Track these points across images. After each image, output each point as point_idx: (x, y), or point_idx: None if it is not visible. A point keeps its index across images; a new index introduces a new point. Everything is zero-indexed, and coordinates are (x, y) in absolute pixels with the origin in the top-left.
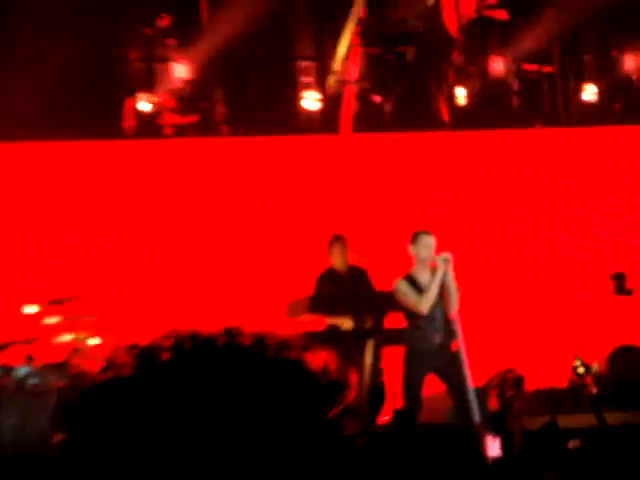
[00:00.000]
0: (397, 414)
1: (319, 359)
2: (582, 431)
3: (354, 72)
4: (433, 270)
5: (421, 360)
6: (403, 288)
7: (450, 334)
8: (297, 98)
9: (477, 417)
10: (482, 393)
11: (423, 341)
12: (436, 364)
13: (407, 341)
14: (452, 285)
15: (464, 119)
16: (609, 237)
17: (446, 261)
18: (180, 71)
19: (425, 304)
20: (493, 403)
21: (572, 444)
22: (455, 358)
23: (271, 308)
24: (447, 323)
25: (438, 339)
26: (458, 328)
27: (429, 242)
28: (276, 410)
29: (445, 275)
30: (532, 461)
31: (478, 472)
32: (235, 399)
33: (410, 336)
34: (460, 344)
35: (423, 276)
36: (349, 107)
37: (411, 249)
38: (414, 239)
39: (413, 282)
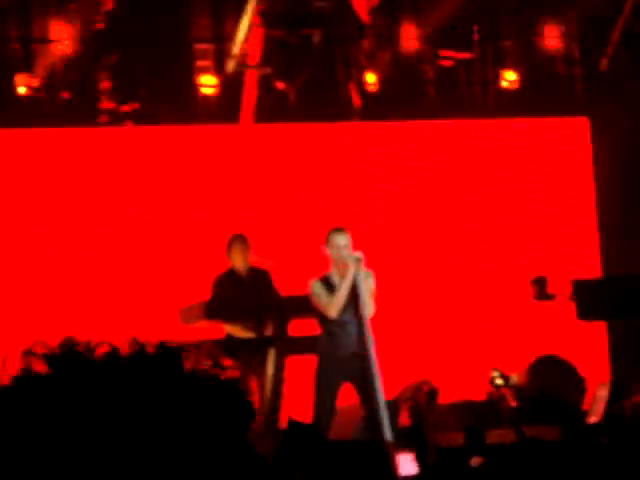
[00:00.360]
0: (291, 425)
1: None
2: (499, 447)
3: (255, 56)
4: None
5: (333, 368)
6: (316, 289)
7: (365, 341)
8: (193, 84)
9: (388, 432)
10: (393, 406)
11: (335, 348)
12: (350, 373)
13: (319, 348)
14: (365, 287)
15: (374, 108)
16: (529, 238)
17: (357, 261)
18: (59, 52)
19: (333, 307)
20: (405, 417)
21: (474, 461)
22: (368, 367)
23: (163, 314)
24: (362, 329)
25: (351, 346)
26: (371, 335)
27: (343, 241)
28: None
29: (357, 276)
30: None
31: None
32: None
33: (322, 342)
34: (372, 352)
35: (338, 278)
36: (250, 94)
37: (325, 249)
38: (328, 238)
39: (328, 284)
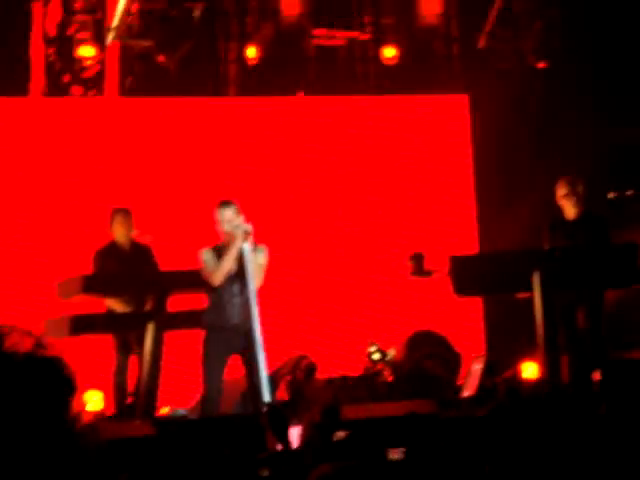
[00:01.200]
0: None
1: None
2: (371, 421)
3: (134, 28)
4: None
5: (220, 340)
6: (205, 257)
7: (250, 313)
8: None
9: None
10: (271, 380)
11: (221, 320)
12: (237, 345)
13: (206, 320)
14: (253, 259)
15: (254, 82)
16: (409, 215)
17: (245, 233)
18: None
19: (216, 275)
20: (282, 391)
21: (337, 436)
22: (252, 340)
23: (41, 289)
24: (247, 301)
25: (236, 318)
26: (256, 308)
27: (228, 213)
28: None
29: (245, 248)
30: (312, 453)
31: (261, 465)
32: None
33: (209, 315)
34: (257, 326)
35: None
36: (115, 66)
37: (216, 220)
38: (215, 212)
39: (218, 253)
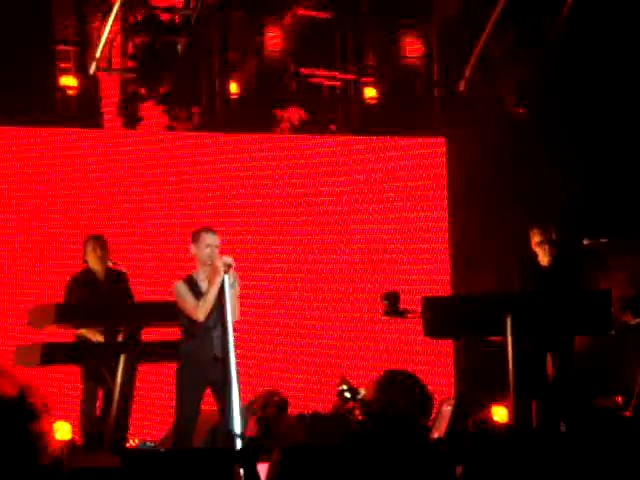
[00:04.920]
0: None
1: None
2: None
3: (118, 60)
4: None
5: (196, 373)
6: (182, 291)
7: (227, 345)
8: (54, 85)
9: (240, 440)
10: (242, 414)
11: (199, 352)
12: (212, 378)
13: (182, 353)
14: (233, 293)
15: (237, 118)
16: (383, 255)
17: (226, 265)
18: None
19: (201, 310)
20: (252, 426)
21: None
22: (228, 372)
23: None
24: (225, 333)
25: (215, 350)
26: (233, 340)
27: (214, 240)
28: None
29: (226, 281)
30: None
31: None
32: None
33: (185, 347)
34: (233, 358)
35: (205, 279)
36: (112, 99)
37: (192, 249)
38: (194, 237)
39: (194, 285)
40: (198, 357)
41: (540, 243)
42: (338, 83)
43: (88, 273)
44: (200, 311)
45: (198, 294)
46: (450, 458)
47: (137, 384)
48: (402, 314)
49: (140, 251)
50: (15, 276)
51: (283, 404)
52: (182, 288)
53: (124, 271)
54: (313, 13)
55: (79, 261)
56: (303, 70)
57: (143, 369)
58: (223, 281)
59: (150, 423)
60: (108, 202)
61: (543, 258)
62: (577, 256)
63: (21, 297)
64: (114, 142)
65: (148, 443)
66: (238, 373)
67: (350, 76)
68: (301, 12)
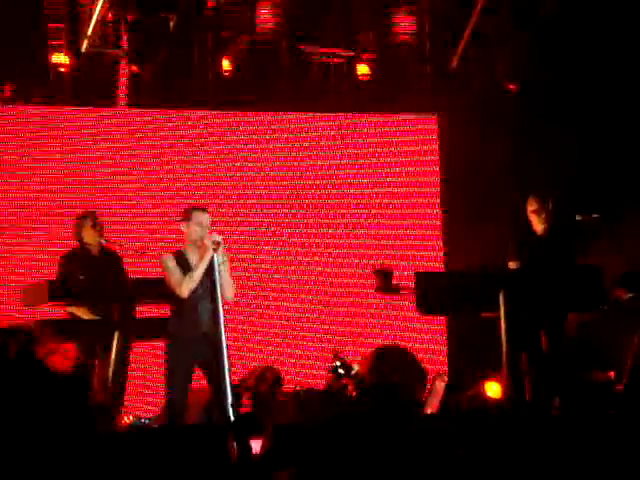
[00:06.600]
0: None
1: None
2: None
3: (110, 37)
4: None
5: (184, 350)
6: (169, 264)
7: (218, 323)
8: (46, 63)
9: (231, 417)
10: (235, 391)
11: (186, 329)
12: (201, 354)
13: (170, 329)
14: (223, 271)
15: (228, 95)
16: (377, 231)
17: (215, 243)
18: None
19: (186, 286)
20: (246, 402)
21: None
22: (218, 350)
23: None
24: (215, 312)
25: (204, 327)
26: (222, 318)
27: (205, 219)
28: (19, 409)
29: (215, 259)
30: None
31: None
32: None
33: (173, 324)
34: (224, 335)
35: (194, 257)
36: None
37: (182, 226)
38: (186, 215)
39: (182, 260)
40: (185, 334)
41: (536, 211)
42: (331, 59)
43: (81, 250)
44: (185, 286)
45: (186, 270)
46: (443, 434)
47: (131, 361)
48: (395, 290)
49: (139, 231)
50: (9, 253)
51: (277, 379)
52: (169, 261)
53: (117, 250)
54: None
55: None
56: (297, 46)
57: (137, 346)
58: (212, 259)
59: (144, 399)
60: (105, 182)
61: (538, 226)
62: (572, 227)
63: (15, 276)
64: (109, 121)
65: (143, 420)
66: (229, 349)
67: (343, 52)
68: None
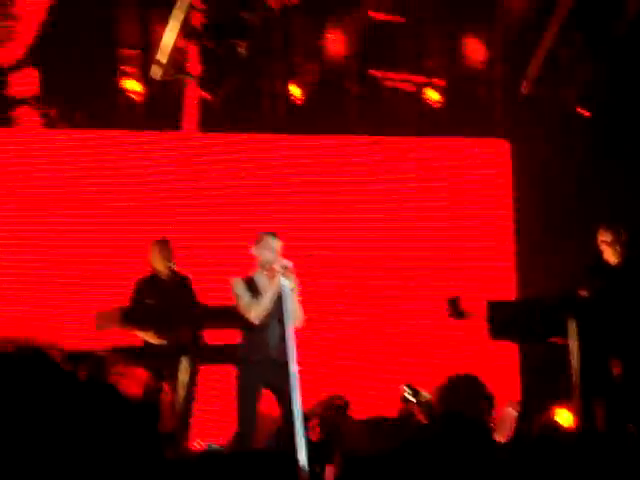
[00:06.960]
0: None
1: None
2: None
3: (182, 64)
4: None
5: (253, 373)
6: (239, 289)
7: (287, 350)
8: (117, 89)
9: (302, 444)
10: (304, 418)
11: (255, 353)
12: (270, 379)
13: (239, 354)
14: (292, 297)
15: (298, 121)
16: (448, 258)
17: (284, 268)
18: None
19: (256, 311)
20: (315, 430)
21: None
22: (288, 377)
23: (76, 319)
24: (284, 337)
25: (273, 352)
26: (294, 345)
27: (273, 245)
28: (88, 435)
29: (284, 284)
30: None
31: None
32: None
33: (242, 349)
34: (294, 363)
35: (264, 282)
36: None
37: (254, 250)
38: (258, 240)
39: (251, 285)
40: (253, 358)
41: (609, 243)
42: (401, 85)
43: (154, 277)
44: (254, 311)
45: (256, 295)
46: (514, 463)
47: (199, 386)
48: (466, 316)
49: (202, 256)
50: (84, 280)
51: (344, 406)
52: (239, 285)
53: (188, 275)
54: (376, 15)
55: (147, 266)
56: (368, 72)
57: (208, 369)
58: (282, 285)
59: (217, 425)
60: (174, 207)
61: (611, 257)
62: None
63: (90, 302)
64: (177, 146)
65: (214, 445)
66: (299, 376)
67: (414, 78)
68: (363, 14)
